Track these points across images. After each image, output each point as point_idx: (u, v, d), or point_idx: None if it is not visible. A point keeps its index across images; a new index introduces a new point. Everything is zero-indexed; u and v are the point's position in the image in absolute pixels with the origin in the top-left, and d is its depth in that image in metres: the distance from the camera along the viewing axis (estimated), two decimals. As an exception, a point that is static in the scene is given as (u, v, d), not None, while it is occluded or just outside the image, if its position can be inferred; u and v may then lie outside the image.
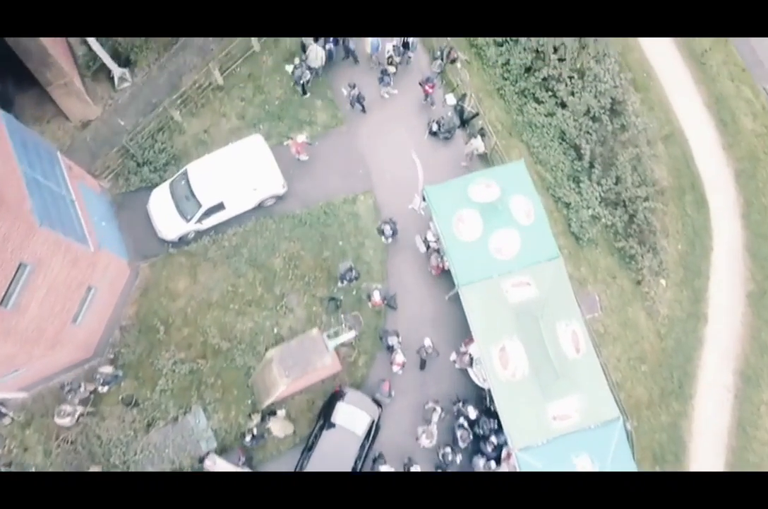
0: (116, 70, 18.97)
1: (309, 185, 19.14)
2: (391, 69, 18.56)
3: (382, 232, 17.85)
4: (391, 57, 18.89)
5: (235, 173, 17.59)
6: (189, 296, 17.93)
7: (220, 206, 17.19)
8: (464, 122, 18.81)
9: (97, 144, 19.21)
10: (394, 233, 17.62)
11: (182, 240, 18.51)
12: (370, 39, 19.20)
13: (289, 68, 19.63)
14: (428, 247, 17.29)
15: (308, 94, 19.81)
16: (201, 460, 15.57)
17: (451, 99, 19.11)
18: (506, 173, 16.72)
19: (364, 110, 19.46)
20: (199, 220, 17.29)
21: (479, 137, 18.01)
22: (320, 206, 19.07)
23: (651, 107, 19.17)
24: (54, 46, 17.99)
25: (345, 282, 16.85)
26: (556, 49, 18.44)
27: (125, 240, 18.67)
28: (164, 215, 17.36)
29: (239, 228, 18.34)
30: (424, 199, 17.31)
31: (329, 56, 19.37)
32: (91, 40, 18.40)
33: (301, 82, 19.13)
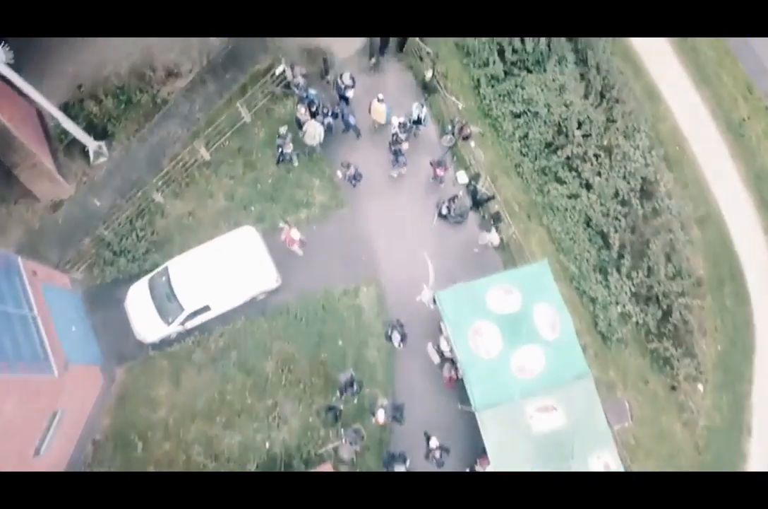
0: (91, 145, 17.51)
1: (306, 275, 18.57)
2: (405, 146, 18.05)
3: (389, 338, 17.02)
4: (396, 134, 18.25)
5: (223, 272, 16.86)
6: (171, 405, 16.18)
7: (205, 309, 14.94)
8: (477, 204, 16.74)
9: (69, 227, 18.03)
10: (404, 338, 16.88)
11: (163, 341, 17.70)
12: (383, 109, 18.31)
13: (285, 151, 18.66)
14: (442, 355, 15.14)
15: (291, 166, 19.21)
16: None
17: (462, 177, 17.69)
18: (528, 276, 16.08)
19: (354, 185, 18.65)
20: (182, 323, 14.89)
21: (494, 230, 17.84)
22: (318, 299, 18.39)
23: (685, 185, 17.83)
24: (20, 125, 17.74)
25: (345, 395, 14.77)
26: (580, 124, 16.34)
27: (99, 341, 17.93)
28: (143, 315, 15.90)
29: (227, 326, 16.67)
30: (435, 301, 16.60)
31: (328, 130, 18.65)
32: (60, 116, 17.77)
33: (282, 154, 18.68)
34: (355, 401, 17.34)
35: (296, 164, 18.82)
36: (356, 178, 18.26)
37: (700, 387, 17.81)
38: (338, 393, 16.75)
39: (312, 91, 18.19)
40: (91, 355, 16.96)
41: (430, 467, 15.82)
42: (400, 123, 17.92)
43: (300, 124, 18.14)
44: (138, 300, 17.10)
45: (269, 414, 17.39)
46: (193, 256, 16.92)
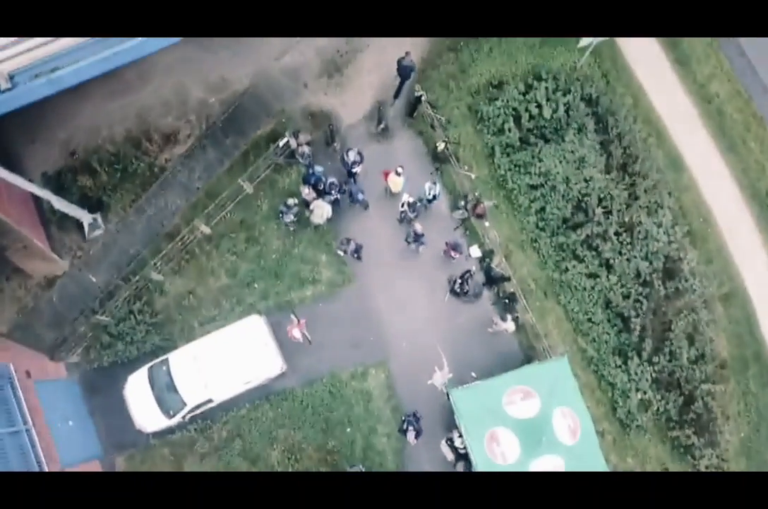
0: (86, 218, 17.52)
1: (312, 357, 18.90)
2: (418, 228, 17.89)
3: (404, 432, 17.25)
4: (404, 212, 18.57)
5: (227, 363, 17.07)
6: None
7: (207, 402, 14.44)
8: (491, 282, 16.13)
9: (64, 305, 18.12)
10: (419, 434, 17.15)
11: (164, 429, 18.03)
12: (401, 181, 18.35)
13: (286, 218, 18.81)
14: (456, 451, 14.60)
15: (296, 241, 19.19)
16: None
17: (476, 252, 17.84)
18: (547, 374, 16.41)
19: (358, 258, 18.67)
20: (183, 417, 14.33)
21: (509, 319, 18.07)
22: (324, 383, 19.25)
23: (709, 260, 17.95)
24: (8, 204, 17.51)
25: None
26: (600, 200, 15.70)
27: (98, 428, 18.11)
28: (142, 406, 16.24)
29: (230, 413, 16.34)
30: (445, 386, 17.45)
31: (335, 204, 18.93)
32: (52, 197, 17.43)
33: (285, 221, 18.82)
34: (365, 493, 16.57)
35: (292, 229, 19.12)
36: (357, 251, 18.61)
37: (723, 475, 17.21)
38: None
39: (318, 168, 17.81)
40: (89, 449, 17.08)
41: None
42: (408, 203, 17.19)
43: (306, 203, 17.26)
44: (137, 390, 17.22)
45: (275, 507, 16.63)
46: (196, 348, 16.49)
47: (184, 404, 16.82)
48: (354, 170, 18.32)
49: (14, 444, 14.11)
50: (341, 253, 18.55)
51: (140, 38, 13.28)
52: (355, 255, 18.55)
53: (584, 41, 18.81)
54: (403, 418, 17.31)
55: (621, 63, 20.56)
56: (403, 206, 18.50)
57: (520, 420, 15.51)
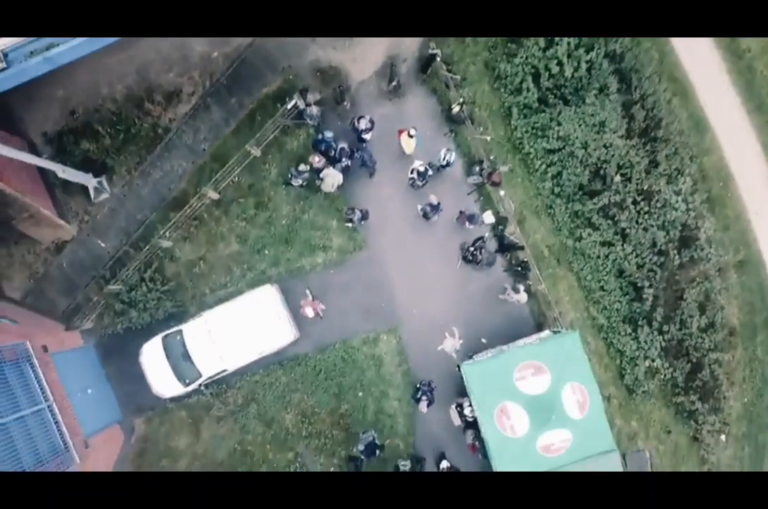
0: (90, 183, 16.93)
1: (324, 324, 19.02)
2: (433, 199, 17.64)
3: (417, 400, 17.55)
4: (413, 180, 18.07)
5: (241, 334, 17.33)
6: (192, 456, 17.08)
7: (222, 371, 14.81)
8: (504, 249, 16.00)
9: (75, 271, 18.26)
10: (431, 403, 17.47)
11: (181, 395, 18.43)
12: (414, 143, 17.80)
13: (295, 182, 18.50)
14: (465, 420, 15.10)
15: (306, 207, 18.88)
16: None
17: (489, 217, 17.45)
18: (558, 349, 16.37)
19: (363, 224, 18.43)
20: (199, 385, 14.99)
21: (522, 290, 18.08)
22: (336, 349, 19.06)
23: (726, 227, 17.93)
24: (12, 173, 17.04)
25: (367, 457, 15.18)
26: (619, 167, 15.19)
27: (116, 393, 18.56)
28: (158, 374, 16.97)
29: (245, 378, 16.83)
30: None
31: (345, 171, 18.36)
32: (54, 166, 17.11)
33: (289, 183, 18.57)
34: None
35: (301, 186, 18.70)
36: (364, 218, 18.22)
37: (723, 437, 18.15)
38: (359, 454, 16.70)
39: (328, 134, 17.13)
40: (110, 414, 17.63)
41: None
42: (418, 171, 17.01)
43: (316, 170, 16.80)
44: (153, 358, 17.49)
45: (290, 465, 17.59)
46: (209, 319, 16.53)
47: (200, 374, 17.19)
48: (365, 137, 17.68)
49: (37, 422, 14.48)
50: (349, 224, 18.31)
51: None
52: (362, 223, 18.30)
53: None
54: (418, 386, 17.65)
55: (649, 13, 19.27)
56: (412, 172, 17.99)
57: (530, 395, 15.69)
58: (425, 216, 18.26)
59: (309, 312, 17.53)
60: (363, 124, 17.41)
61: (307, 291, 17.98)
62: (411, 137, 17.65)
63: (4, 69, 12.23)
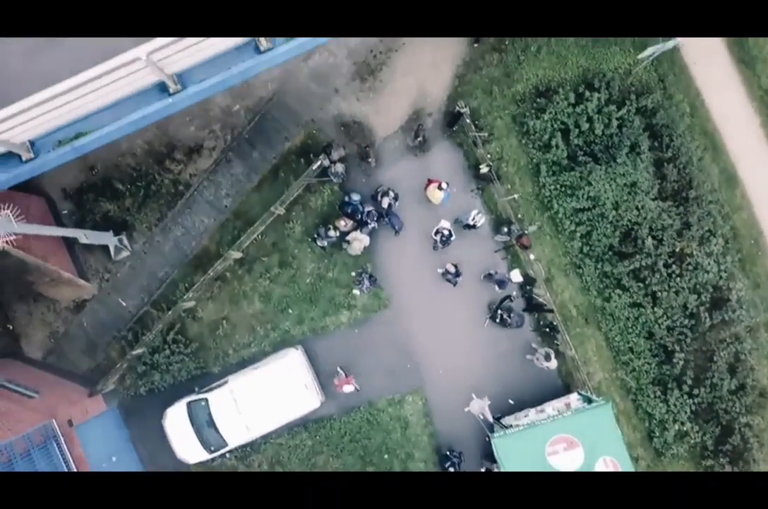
0: (111, 241, 16.35)
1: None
2: (451, 267, 17.71)
3: (446, 469, 17.67)
4: (435, 242, 17.94)
5: (267, 404, 17.13)
6: None
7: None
8: (532, 309, 15.77)
9: (96, 330, 18.38)
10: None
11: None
12: (441, 196, 17.64)
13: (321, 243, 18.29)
14: None
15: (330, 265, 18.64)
16: None
17: (516, 276, 17.28)
18: (590, 423, 16.09)
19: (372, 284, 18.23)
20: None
21: (552, 357, 17.88)
22: (362, 411, 18.85)
23: (756, 285, 18.47)
24: (30, 243, 16.28)
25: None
26: (652, 229, 14.94)
27: (139, 453, 18.47)
28: (184, 440, 17.31)
29: (270, 441, 16.64)
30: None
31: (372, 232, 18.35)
32: (76, 233, 16.95)
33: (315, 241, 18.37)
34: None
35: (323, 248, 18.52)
36: (373, 283, 18.11)
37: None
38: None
39: (355, 197, 16.88)
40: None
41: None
42: (442, 235, 17.48)
43: (342, 233, 16.61)
44: (177, 424, 17.61)
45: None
46: (234, 388, 16.28)
47: (226, 443, 17.04)
48: (391, 206, 17.46)
49: None
50: (358, 292, 18.15)
51: (168, 100, 12.02)
52: (371, 288, 18.09)
53: (646, 52, 17.10)
54: (447, 454, 17.59)
55: (680, 65, 18.74)
56: (436, 234, 17.72)
57: (563, 472, 15.36)
58: (449, 281, 18.00)
59: (347, 389, 17.35)
60: (386, 202, 17.27)
61: (339, 369, 17.78)
62: (440, 189, 17.41)
63: (31, 159, 11.89)
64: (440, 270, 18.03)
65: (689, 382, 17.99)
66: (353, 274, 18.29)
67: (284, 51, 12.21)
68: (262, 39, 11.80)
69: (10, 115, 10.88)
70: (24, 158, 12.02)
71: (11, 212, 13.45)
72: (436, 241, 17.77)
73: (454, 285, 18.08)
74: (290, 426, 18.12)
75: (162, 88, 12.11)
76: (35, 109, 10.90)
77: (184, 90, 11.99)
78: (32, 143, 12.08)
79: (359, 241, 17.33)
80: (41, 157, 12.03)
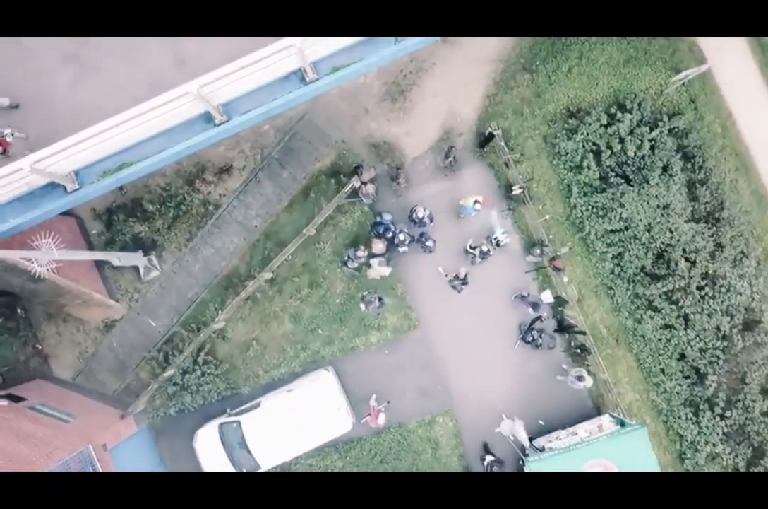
0: (140, 262, 16.15)
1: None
2: (462, 272, 17.58)
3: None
4: (473, 256, 17.93)
5: (300, 427, 17.10)
6: None
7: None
8: (563, 330, 15.73)
9: (125, 350, 18.55)
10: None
11: None
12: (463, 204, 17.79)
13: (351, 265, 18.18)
14: None
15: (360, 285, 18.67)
16: None
17: (547, 297, 16.98)
18: (625, 446, 16.06)
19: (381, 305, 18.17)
20: None
21: (587, 376, 17.70)
22: (392, 433, 18.79)
23: None
24: (68, 270, 16.28)
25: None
26: (685, 251, 14.92)
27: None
28: (214, 461, 17.41)
29: (300, 462, 16.32)
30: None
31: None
32: (109, 256, 17.28)
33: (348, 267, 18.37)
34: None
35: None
36: (381, 304, 18.03)
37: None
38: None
39: (387, 217, 16.89)
40: None
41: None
42: (481, 251, 17.56)
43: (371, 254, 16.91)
44: (208, 446, 17.62)
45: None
46: (267, 410, 16.24)
47: (258, 466, 17.00)
48: (424, 229, 17.54)
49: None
50: (364, 308, 17.97)
51: (213, 130, 11.99)
52: (380, 309, 17.99)
53: (678, 76, 17.06)
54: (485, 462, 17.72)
55: (711, 85, 18.70)
56: (474, 249, 17.74)
57: (599, 498, 15.50)
58: (453, 288, 17.96)
59: (381, 421, 17.14)
60: (421, 212, 17.16)
61: (374, 399, 17.59)
62: (476, 203, 17.34)
63: (76, 190, 11.86)
64: (443, 272, 17.91)
65: (721, 404, 17.90)
66: (364, 293, 18.16)
67: (328, 82, 12.21)
68: (308, 70, 11.80)
69: (57, 151, 10.89)
70: (69, 189, 12.05)
71: (52, 239, 13.52)
72: (474, 255, 17.73)
73: (458, 292, 17.93)
74: (320, 448, 17.97)
75: (207, 118, 12.15)
76: (82, 143, 10.93)
77: (229, 121, 12.03)
78: (77, 174, 12.10)
79: (376, 271, 17.37)
80: (85, 187, 12.02)
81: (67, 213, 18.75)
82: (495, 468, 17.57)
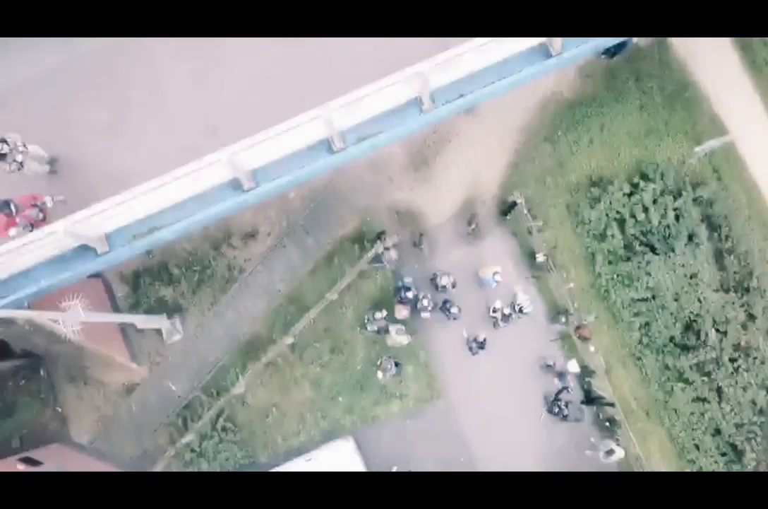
0: (164, 325, 15.88)
1: None
2: (481, 336, 17.60)
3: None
4: (495, 319, 17.77)
5: None
6: None
7: None
8: (590, 402, 15.09)
9: (144, 415, 17.93)
10: None
11: None
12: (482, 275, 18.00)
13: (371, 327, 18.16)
14: None
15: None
16: None
17: (573, 366, 16.42)
18: None
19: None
20: None
21: (617, 448, 17.12)
22: None
23: None
24: (92, 332, 16.45)
25: None
26: (715, 322, 14.43)
27: None
28: None
29: None
30: None
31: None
32: (134, 319, 17.41)
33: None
34: None
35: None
36: (398, 370, 17.82)
37: None
38: None
39: (407, 280, 16.65)
40: None
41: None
42: (503, 313, 17.51)
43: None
44: None
45: None
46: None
47: (274, 540, 16.35)
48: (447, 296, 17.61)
49: None
50: (381, 375, 17.61)
51: (242, 196, 12.38)
52: (396, 373, 17.68)
53: (704, 145, 17.34)
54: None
55: (734, 156, 19.00)
56: (494, 312, 17.63)
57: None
58: (470, 350, 17.75)
59: None
60: (446, 281, 17.28)
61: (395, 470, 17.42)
62: (495, 273, 17.43)
63: (106, 253, 12.18)
64: (466, 335, 17.70)
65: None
66: (381, 359, 17.81)
67: (354, 152, 12.60)
68: (335, 140, 12.22)
69: (91, 215, 11.25)
70: (99, 252, 12.33)
71: (79, 301, 13.79)
72: (496, 318, 17.59)
73: (473, 355, 17.69)
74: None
75: (236, 185, 12.53)
76: (115, 207, 11.31)
77: (257, 187, 12.38)
78: (108, 237, 12.43)
79: (395, 340, 17.21)
80: (116, 250, 12.30)
81: (95, 275, 19.27)
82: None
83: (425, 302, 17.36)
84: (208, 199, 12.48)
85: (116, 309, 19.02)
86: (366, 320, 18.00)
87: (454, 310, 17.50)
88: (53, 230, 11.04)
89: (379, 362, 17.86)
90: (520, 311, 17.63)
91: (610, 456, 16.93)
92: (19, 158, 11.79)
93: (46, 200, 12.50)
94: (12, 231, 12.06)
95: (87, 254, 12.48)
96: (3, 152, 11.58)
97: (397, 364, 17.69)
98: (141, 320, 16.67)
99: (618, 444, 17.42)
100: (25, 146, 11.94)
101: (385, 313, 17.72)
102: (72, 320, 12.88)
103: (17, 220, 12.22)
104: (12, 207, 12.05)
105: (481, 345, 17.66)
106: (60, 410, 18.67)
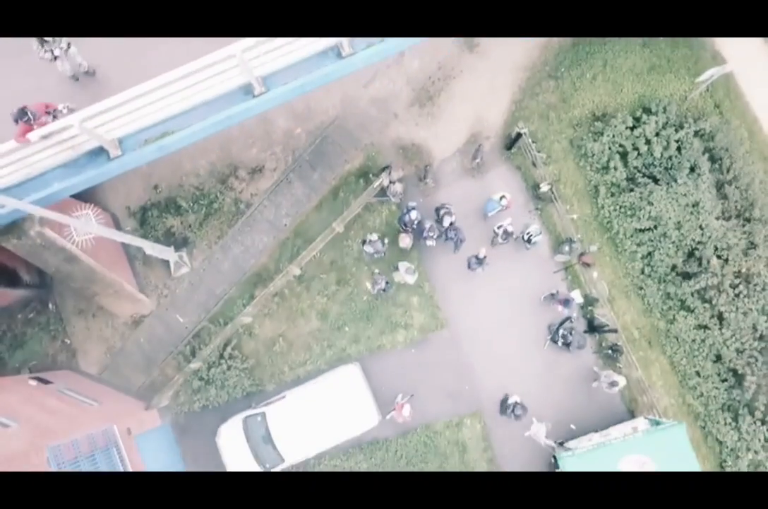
0: (172, 257, 16.29)
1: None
2: (482, 252, 17.48)
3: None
4: (496, 235, 17.82)
5: (324, 417, 16.93)
6: None
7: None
8: (594, 330, 15.29)
9: (152, 346, 18.35)
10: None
11: None
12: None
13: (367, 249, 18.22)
14: None
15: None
16: None
17: (577, 296, 15.91)
18: (663, 441, 15.58)
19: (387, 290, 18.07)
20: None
21: (620, 377, 17.36)
22: (419, 434, 18.38)
23: None
24: (98, 252, 16.73)
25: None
26: (716, 249, 14.67)
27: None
28: (238, 457, 16.03)
29: (324, 462, 15.98)
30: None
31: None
32: (142, 242, 16.93)
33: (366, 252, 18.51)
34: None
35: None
36: (386, 289, 17.98)
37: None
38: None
39: (412, 204, 17.66)
40: None
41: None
42: (506, 230, 17.51)
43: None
44: (232, 440, 17.09)
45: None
46: (292, 402, 16.02)
47: (282, 460, 16.68)
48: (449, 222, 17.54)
49: None
50: (369, 287, 17.97)
51: (252, 101, 12.60)
52: (384, 292, 17.92)
53: (704, 75, 17.55)
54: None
55: (735, 91, 19.22)
56: (499, 228, 17.62)
57: (636, 494, 14.88)
58: (469, 267, 17.86)
59: (406, 412, 16.81)
60: (447, 221, 17.26)
61: (400, 397, 17.40)
62: (502, 198, 17.50)
63: (118, 156, 12.40)
64: (469, 263, 17.67)
65: (762, 408, 17.33)
66: (376, 271, 18.14)
67: (363, 57, 12.83)
68: (345, 44, 12.46)
69: (105, 109, 11.50)
70: (112, 155, 12.56)
71: (92, 211, 14.01)
72: (497, 234, 17.63)
73: (473, 271, 17.76)
74: (345, 447, 17.76)
75: (246, 90, 12.76)
76: (132, 103, 11.54)
77: (268, 92, 12.60)
78: (120, 142, 12.66)
79: (402, 277, 17.49)
80: (128, 154, 12.55)
81: (104, 209, 19.50)
82: (518, 412, 16.93)
83: (427, 226, 17.33)
84: (219, 104, 12.74)
85: (126, 247, 19.27)
86: (362, 242, 18.02)
87: (459, 235, 17.34)
88: (68, 124, 11.29)
89: (372, 274, 18.09)
90: (529, 241, 17.83)
91: (614, 387, 17.18)
92: (57, 52, 12.35)
93: (59, 107, 12.76)
94: (31, 135, 12.35)
95: (99, 159, 12.73)
96: (46, 39, 12.15)
97: (387, 282, 17.77)
98: (149, 246, 16.82)
99: (620, 373, 17.76)
100: (69, 45, 12.50)
101: (377, 237, 17.67)
102: (84, 229, 13.09)
103: (34, 126, 12.52)
104: (29, 114, 12.36)
105: (480, 261, 17.66)
106: (69, 342, 18.98)
